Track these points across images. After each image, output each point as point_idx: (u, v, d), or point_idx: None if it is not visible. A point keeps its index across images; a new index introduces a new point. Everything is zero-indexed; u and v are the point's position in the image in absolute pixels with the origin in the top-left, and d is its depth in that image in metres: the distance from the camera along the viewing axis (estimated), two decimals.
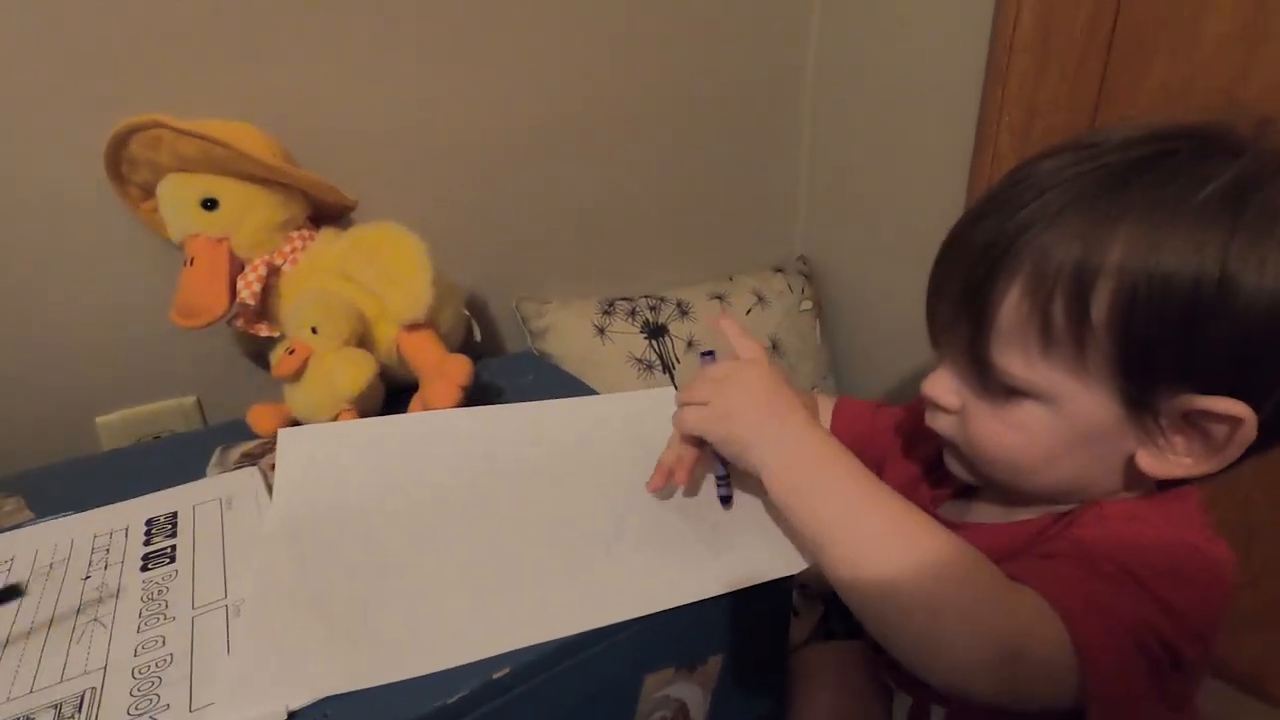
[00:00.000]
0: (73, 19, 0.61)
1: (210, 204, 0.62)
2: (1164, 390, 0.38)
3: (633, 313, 0.98)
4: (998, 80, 0.83)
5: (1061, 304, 0.38)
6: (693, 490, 0.54)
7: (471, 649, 0.40)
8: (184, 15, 0.65)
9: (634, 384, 0.95)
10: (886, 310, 1.10)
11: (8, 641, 0.43)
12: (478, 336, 0.85)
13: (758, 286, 1.08)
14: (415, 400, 0.67)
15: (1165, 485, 0.42)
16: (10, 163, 0.63)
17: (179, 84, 0.67)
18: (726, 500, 0.51)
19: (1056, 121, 0.82)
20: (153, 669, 0.40)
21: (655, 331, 0.99)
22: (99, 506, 0.56)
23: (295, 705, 0.37)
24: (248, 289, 0.64)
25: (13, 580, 0.48)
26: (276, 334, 0.67)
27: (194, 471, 0.60)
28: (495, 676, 0.39)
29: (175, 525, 0.53)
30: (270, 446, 0.62)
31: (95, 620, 0.44)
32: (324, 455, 0.58)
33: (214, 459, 0.63)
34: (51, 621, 0.44)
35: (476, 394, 0.67)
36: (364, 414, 0.65)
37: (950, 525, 0.44)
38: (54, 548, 0.51)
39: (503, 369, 0.78)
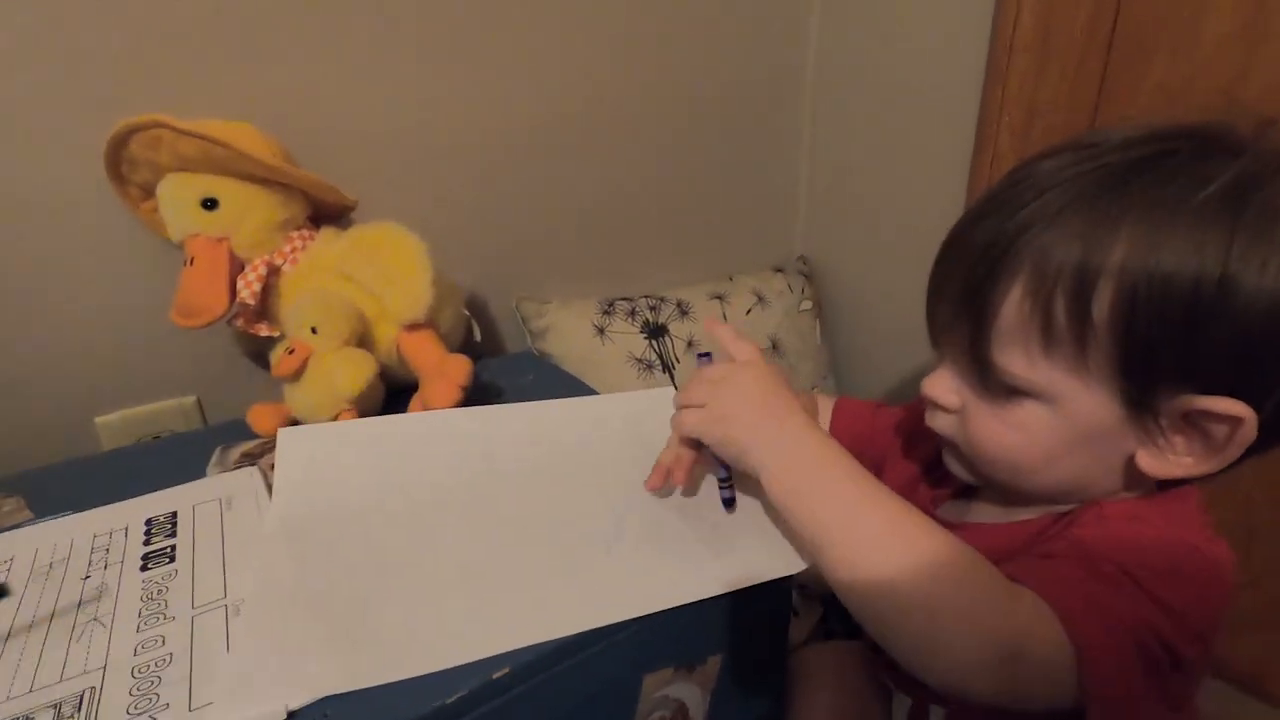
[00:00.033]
0: (73, 19, 0.61)
1: (210, 204, 0.62)
2: (1165, 390, 0.38)
3: (633, 313, 0.98)
4: (998, 80, 0.83)
5: (1063, 304, 0.38)
6: (692, 490, 0.54)
7: (471, 649, 0.40)
8: (184, 15, 0.65)
9: (634, 384, 0.95)
10: (886, 310, 1.10)
11: (7, 640, 0.43)
12: (478, 336, 0.85)
13: (758, 286, 1.08)
14: (415, 400, 0.67)
15: (1165, 485, 0.42)
16: (10, 163, 0.63)
17: (179, 84, 0.67)
18: (729, 503, 0.51)
19: (1056, 121, 0.82)
20: (152, 668, 0.40)
21: (655, 331, 0.99)
22: (99, 506, 0.56)
23: (295, 705, 0.37)
24: (248, 289, 0.64)
25: (11, 580, 0.48)
26: (276, 334, 0.67)
27: (194, 471, 0.60)
28: (495, 676, 0.39)
29: (175, 525, 0.53)
30: (270, 446, 0.62)
31: (95, 620, 0.44)
32: (324, 455, 0.58)
33: (214, 459, 0.63)
34: (51, 621, 0.44)
35: (476, 394, 0.67)
36: (364, 414, 0.65)
37: (950, 525, 0.44)
38: (54, 547, 0.51)
39: (503, 369, 0.78)
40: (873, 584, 0.39)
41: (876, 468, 0.61)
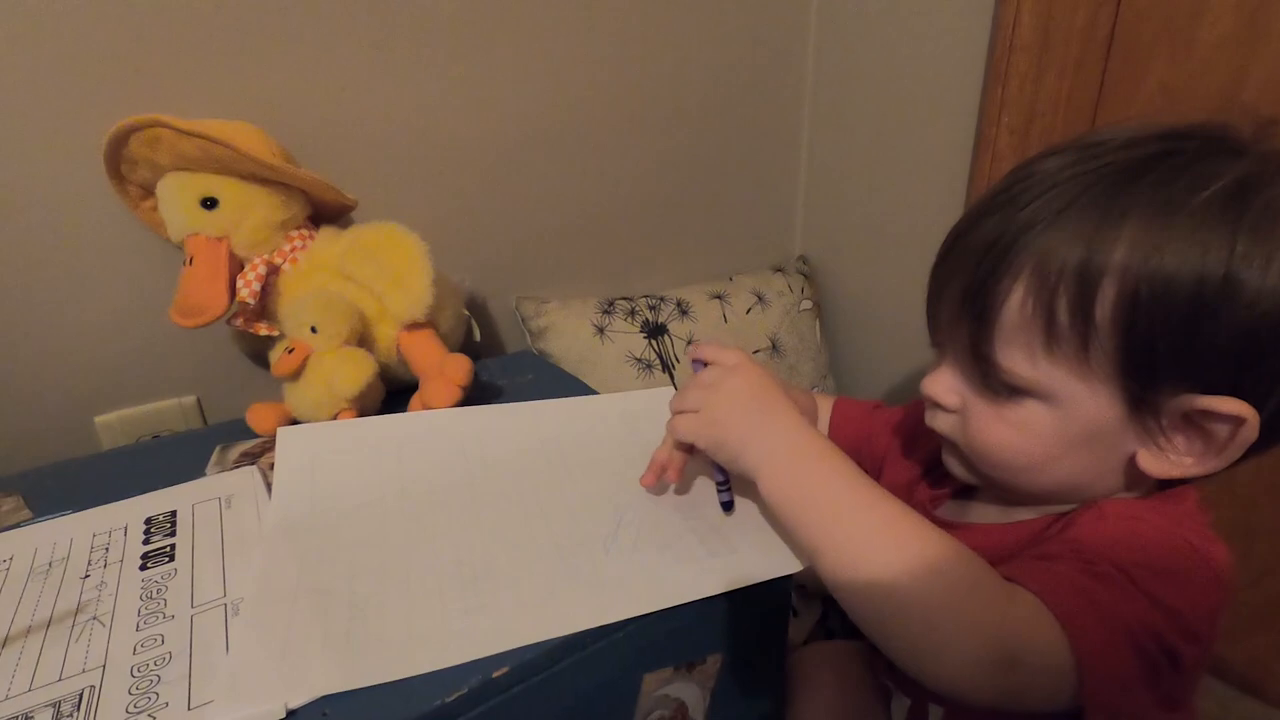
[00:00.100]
0: (73, 19, 0.61)
1: (210, 203, 0.62)
2: (1166, 390, 0.38)
3: (632, 312, 0.99)
4: (997, 80, 0.83)
5: (1065, 303, 0.38)
6: (691, 490, 0.54)
7: (470, 648, 0.40)
8: (184, 15, 0.65)
9: (633, 384, 0.95)
10: (886, 310, 1.10)
11: (7, 639, 0.43)
12: (478, 336, 0.85)
13: (758, 286, 1.08)
14: (415, 400, 0.67)
15: (1165, 485, 0.42)
16: (10, 163, 0.63)
17: (179, 84, 0.67)
18: (728, 506, 0.51)
19: (1056, 122, 0.83)
20: (151, 667, 0.40)
21: (655, 331, 0.99)
22: (98, 506, 0.56)
23: (294, 704, 0.37)
24: (247, 288, 0.64)
25: (11, 579, 0.48)
26: (276, 333, 0.67)
27: (193, 471, 0.60)
28: (494, 675, 0.39)
29: (174, 524, 0.53)
30: (269, 445, 0.62)
31: (94, 619, 0.44)
32: (323, 454, 0.58)
33: (213, 458, 0.63)
34: (50, 620, 0.44)
35: (476, 394, 0.67)
36: (363, 413, 0.65)
37: (949, 526, 0.44)
38: (53, 547, 0.51)
39: (503, 369, 0.78)
40: (868, 585, 0.39)
41: (876, 468, 0.62)
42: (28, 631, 0.44)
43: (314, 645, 0.40)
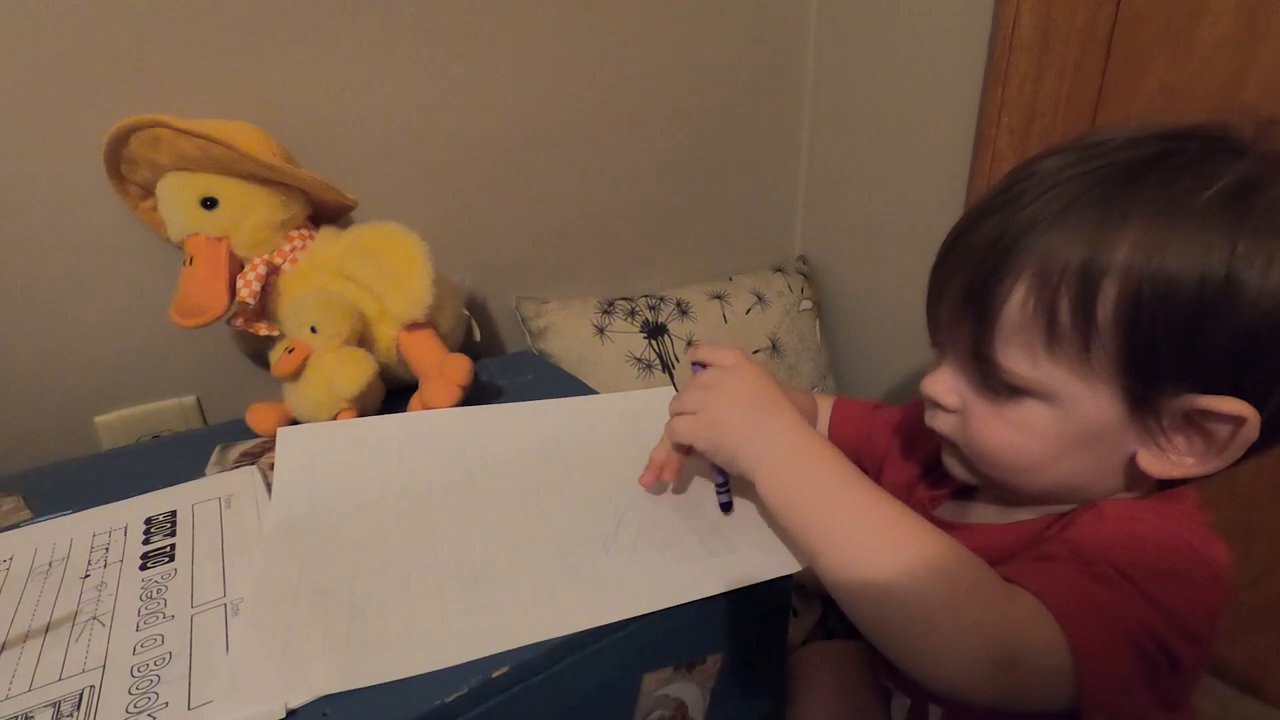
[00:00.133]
0: (73, 19, 0.61)
1: (210, 203, 0.62)
2: (1168, 390, 0.38)
3: (632, 312, 0.99)
4: (997, 80, 0.83)
5: (1067, 303, 0.38)
6: (691, 490, 0.54)
7: (469, 647, 0.40)
8: (184, 15, 0.65)
9: (633, 384, 0.95)
10: (886, 310, 1.10)
11: (7, 640, 0.43)
12: (477, 336, 0.85)
13: (757, 286, 1.08)
14: (415, 400, 0.67)
15: (1164, 485, 0.42)
16: (10, 163, 0.63)
17: (179, 84, 0.67)
18: (727, 507, 0.51)
19: (1056, 122, 0.83)
20: (151, 667, 0.40)
21: (655, 331, 0.99)
22: (98, 506, 0.56)
23: (294, 704, 0.37)
24: (247, 288, 0.64)
25: (11, 579, 0.48)
26: (276, 333, 0.67)
27: (193, 471, 0.60)
28: (494, 675, 0.39)
29: (174, 524, 0.53)
30: (269, 445, 0.62)
31: (94, 619, 0.44)
32: (323, 454, 0.58)
33: (213, 458, 0.63)
34: (50, 620, 0.44)
35: (476, 394, 0.67)
36: (363, 413, 0.65)
37: (948, 526, 0.44)
38: (53, 547, 0.51)
39: (503, 369, 0.78)
40: (867, 586, 0.39)
41: (875, 468, 0.62)
42: (28, 632, 0.44)
43: (314, 645, 0.40)
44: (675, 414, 0.51)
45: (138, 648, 0.42)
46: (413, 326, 0.67)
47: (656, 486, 0.53)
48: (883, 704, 0.60)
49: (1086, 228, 0.38)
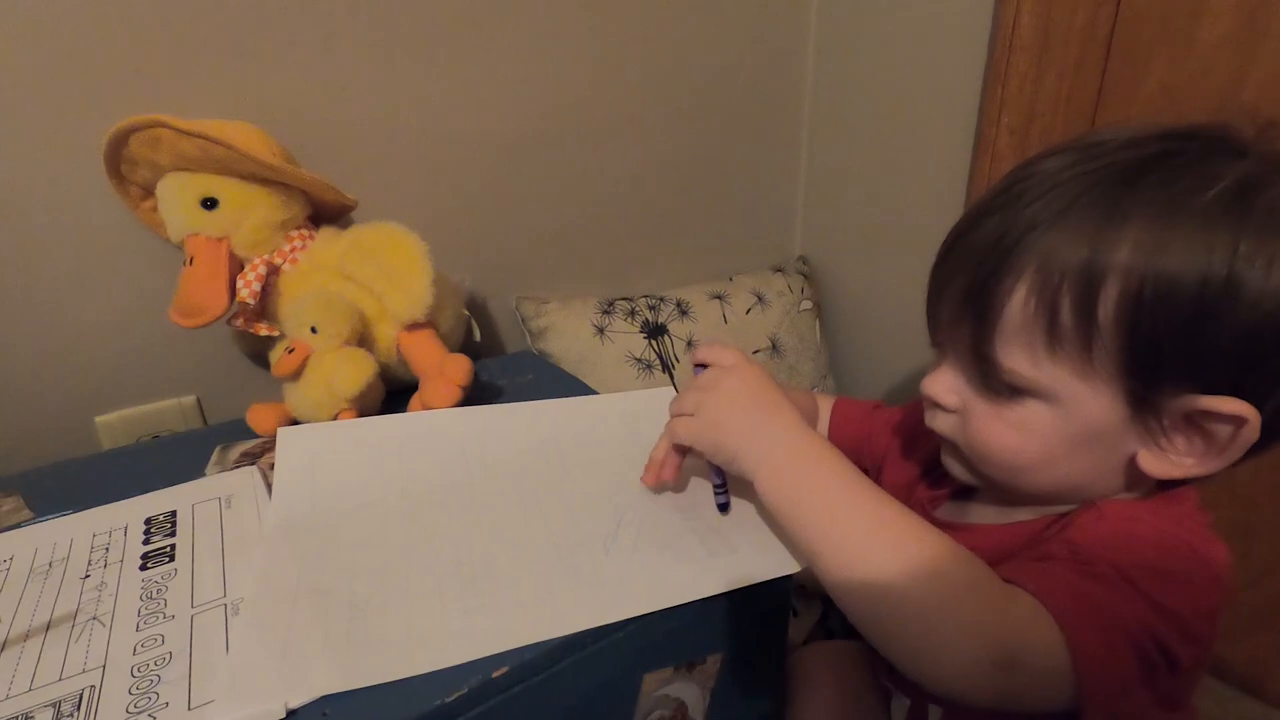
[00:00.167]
0: (73, 19, 0.61)
1: (210, 203, 0.62)
2: (1169, 390, 0.38)
3: (632, 313, 0.99)
4: (997, 80, 0.83)
5: (1068, 303, 0.38)
6: (691, 490, 0.54)
7: (469, 647, 0.40)
8: (184, 16, 0.65)
9: (633, 384, 0.95)
10: (886, 310, 1.10)
11: (7, 640, 0.43)
12: (477, 336, 0.85)
13: (757, 286, 1.08)
14: (415, 400, 0.67)
15: (1164, 486, 0.42)
16: (10, 163, 0.63)
17: (179, 84, 0.67)
18: (724, 508, 0.51)
19: (1056, 122, 0.83)
20: (151, 667, 0.40)
21: (655, 331, 0.99)
22: (98, 506, 0.56)
23: (294, 703, 0.37)
24: (247, 288, 0.64)
25: (11, 579, 0.48)
26: (276, 333, 0.67)
27: (193, 471, 0.60)
28: (494, 675, 0.39)
29: (174, 524, 0.53)
30: (269, 446, 0.62)
31: (94, 619, 0.44)
32: (323, 454, 0.58)
33: (213, 458, 0.63)
34: (51, 620, 0.44)
35: (476, 394, 0.67)
36: (364, 413, 0.65)
37: (948, 526, 0.44)
38: (53, 547, 0.51)
39: (503, 369, 0.78)
40: (866, 587, 0.39)
41: (875, 468, 0.62)
42: (28, 631, 0.44)
43: (314, 645, 0.40)
44: (675, 415, 0.51)
45: (138, 648, 0.42)
46: (413, 326, 0.67)
47: (657, 486, 0.53)
48: (883, 704, 0.60)
49: (1088, 228, 0.38)
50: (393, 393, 0.69)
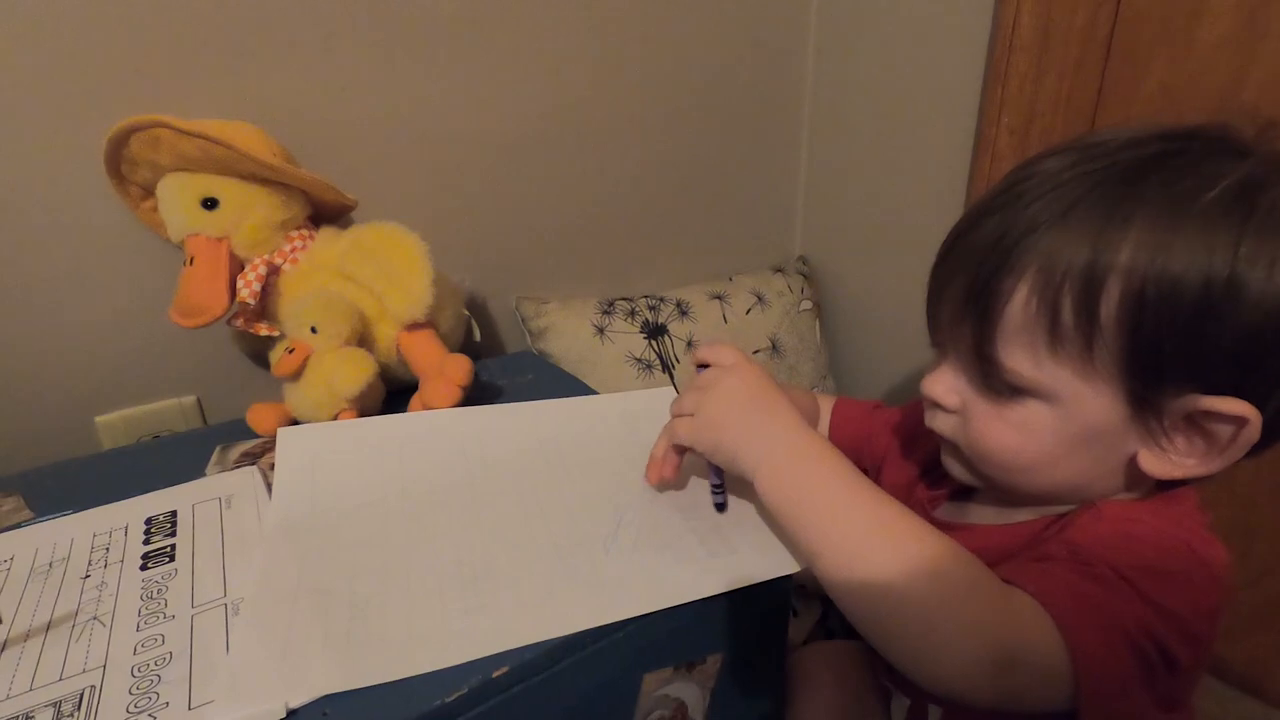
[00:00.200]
0: (73, 19, 0.61)
1: (210, 203, 0.62)
2: (1170, 390, 0.38)
3: (632, 313, 0.99)
4: (997, 80, 0.83)
5: (1070, 303, 0.38)
6: (691, 490, 0.54)
7: (470, 647, 0.40)
8: (184, 16, 0.65)
9: (633, 384, 0.95)
10: (886, 310, 1.10)
11: (7, 639, 0.43)
12: (477, 336, 0.85)
13: (757, 287, 1.08)
14: (415, 400, 0.67)
15: (1164, 486, 0.42)
16: (10, 162, 0.63)
17: (179, 84, 0.67)
18: (721, 507, 0.51)
19: (1056, 122, 0.83)
20: (152, 667, 0.40)
21: (655, 331, 0.99)
22: (98, 506, 0.56)
23: (294, 703, 0.37)
24: (248, 288, 0.64)
25: (11, 579, 0.48)
26: (276, 333, 0.67)
27: (193, 471, 0.60)
28: (494, 675, 0.39)
29: (175, 524, 0.53)
30: (270, 446, 0.62)
31: (95, 619, 0.44)
32: (324, 454, 0.58)
33: (213, 458, 0.63)
34: (51, 620, 0.44)
35: (476, 394, 0.67)
36: (364, 413, 0.65)
37: (947, 527, 0.44)
38: (54, 547, 0.52)
39: (503, 369, 0.78)
40: (866, 587, 0.39)
41: (875, 468, 0.62)
42: (28, 631, 0.44)
43: (314, 645, 0.40)
44: (675, 416, 0.51)
45: (138, 648, 0.42)
46: (413, 326, 0.67)
47: (659, 485, 0.53)
48: (883, 704, 0.60)
49: (1089, 228, 0.38)
50: (393, 393, 0.69)
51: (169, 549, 0.51)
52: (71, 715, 0.38)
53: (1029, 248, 0.39)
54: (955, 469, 0.49)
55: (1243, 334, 0.36)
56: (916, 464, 0.58)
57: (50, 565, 0.50)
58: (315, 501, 0.53)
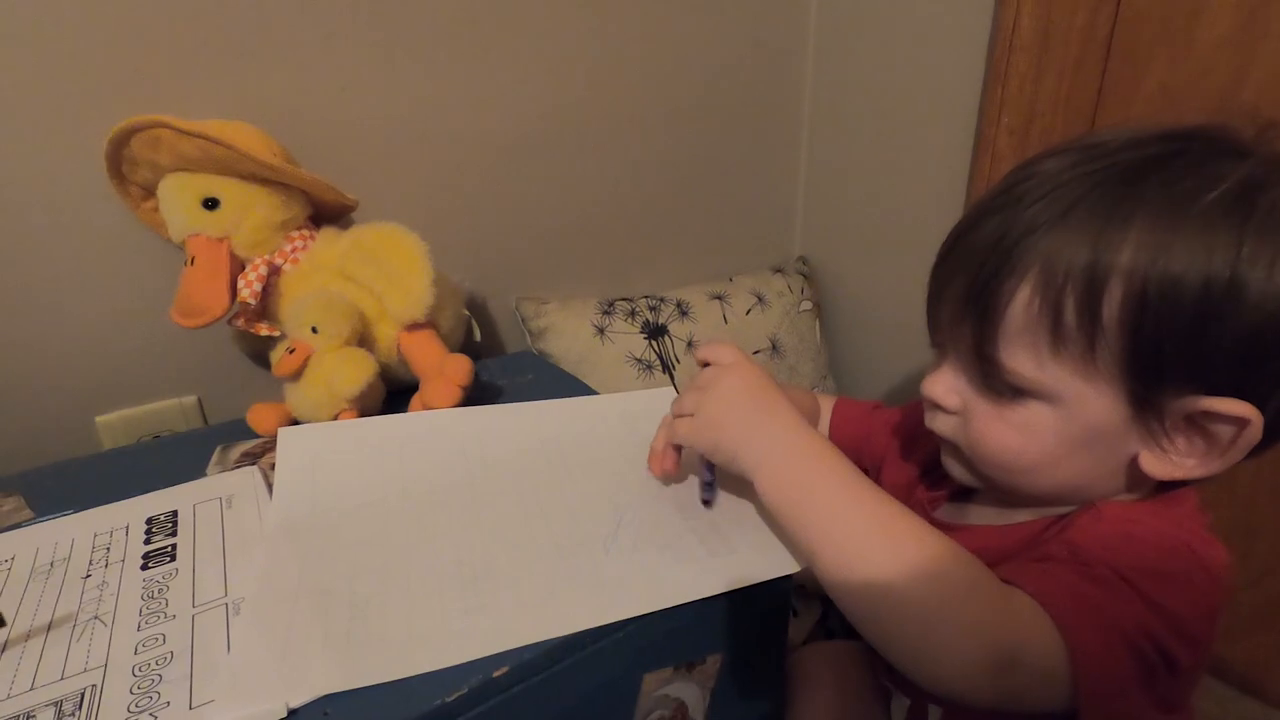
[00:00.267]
0: (73, 19, 0.62)
1: (211, 203, 0.63)
2: (1171, 391, 0.38)
3: (632, 313, 0.99)
4: (997, 80, 0.83)
5: (1072, 303, 0.38)
6: (691, 490, 0.54)
7: (470, 647, 0.40)
8: (184, 16, 0.65)
9: (633, 384, 0.95)
10: (886, 310, 1.10)
11: (8, 639, 0.43)
12: (478, 336, 0.85)
13: (757, 287, 1.08)
14: (415, 400, 0.67)
15: (1165, 487, 0.42)
16: (10, 162, 0.63)
17: (179, 84, 0.67)
18: (708, 504, 0.51)
19: (1056, 122, 0.83)
20: (153, 667, 0.40)
21: (655, 331, 0.99)
22: (99, 505, 0.56)
23: (295, 703, 0.37)
24: (248, 288, 0.64)
25: (12, 579, 0.48)
26: (277, 333, 0.67)
27: (194, 471, 0.60)
28: (494, 675, 0.39)
29: (175, 524, 0.53)
30: (270, 446, 0.62)
31: (95, 618, 0.44)
32: (324, 454, 0.58)
33: (214, 458, 0.63)
34: (52, 620, 0.44)
35: (476, 394, 0.67)
36: (364, 414, 0.65)
37: (947, 527, 0.43)
38: (54, 546, 0.52)
39: (503, 369, 0.78)
40: (865, 587, 0.39)
41: (875, 468, 0.62)
42: (29, 631, 0.44)
43: (315, 645, 0.40)
44: (675, 416, 0.51)
45: (139, 647, 0.42)
46: (413, 327, 0.67)
47: (661, 478, 0.53)
48: (883, 704, 0.60)
49: (1090, 229, 0.38)
50: (393, 393, 0.69)
51: (170, 549, 0.51)
52: (73, 715, 0.38)
53: (1029, 248, 0.39)
54: (955, 470, 0.49)
55: (1243, 334, 0.36)
56: (916, 464, 0.58)
57: (51, 565, 0.50)
58: (316, 501, 0.53)
